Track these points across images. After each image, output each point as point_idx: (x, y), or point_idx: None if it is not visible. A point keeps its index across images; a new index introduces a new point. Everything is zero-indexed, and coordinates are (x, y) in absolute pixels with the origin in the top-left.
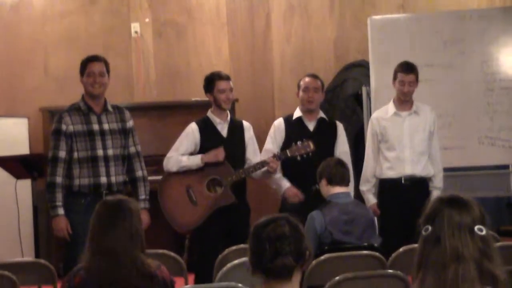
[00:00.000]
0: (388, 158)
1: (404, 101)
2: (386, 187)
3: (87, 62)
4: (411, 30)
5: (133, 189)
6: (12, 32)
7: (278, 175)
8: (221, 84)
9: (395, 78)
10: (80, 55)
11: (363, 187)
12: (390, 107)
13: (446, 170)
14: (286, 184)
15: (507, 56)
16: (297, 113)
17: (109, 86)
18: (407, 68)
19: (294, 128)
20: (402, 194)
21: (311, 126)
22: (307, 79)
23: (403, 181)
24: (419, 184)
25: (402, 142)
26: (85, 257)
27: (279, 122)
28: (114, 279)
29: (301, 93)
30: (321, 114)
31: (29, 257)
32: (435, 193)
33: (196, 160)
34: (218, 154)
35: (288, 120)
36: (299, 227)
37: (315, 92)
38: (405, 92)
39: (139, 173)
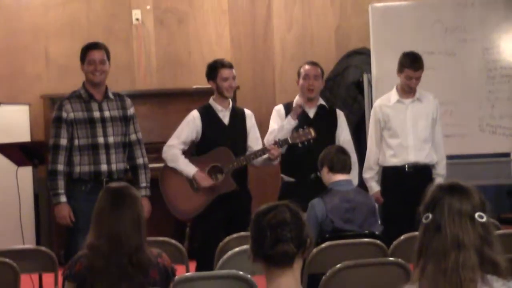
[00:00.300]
0: (391, 146)
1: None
2: (389, 174)
3: (87, 50)
4: (412, 17)
5: (134, 176)
6: (14, 20)
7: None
8: (224, 72)
9: (401, 71)
10: (81, 43)
11: (366, 175)
12: (393, 95)
13: (447, 157)
14: None
15: (508, 44)
16: (297, 100)
17: (110, 73)
18: (415, 63)
19: None
20: (406, 182)
21: (311, 113)
22: (307, 66)
23: (406, 169)
24: (423, 171)
25: (405, 130)
26: (88, 242)
27: (280, 108)
28: (113, 263)
29: (301, 81)
30: (321, 101)
31: (30, 244)
32: (438, 180)
33: (190, 172)
34: (205, 181)
35: (288, 107)
36: (300, 214)
37: (315, 79)
38: (412, 87)
39: (140, 161)
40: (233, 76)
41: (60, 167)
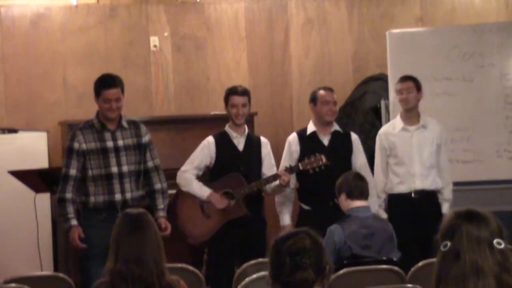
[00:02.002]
0: (397, 173)
1: (410, 114)
2: (395, 201)
3: (101, 88)
4: (429, 43)
5: (151, 201)
6: (32, 46)
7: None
8: (234, 99)
9: (396, 91)
10: (99, 69)
11: None
12: (398, 122)
13: (463, 184)
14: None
15: None
16: (311, 128)
17: (128, 100)
18: (403, 77)
19: (309, 144)
20: (412, 208)
21: (325, 140)
22: (323, 92)
23: (413, 195)
24: (429, 197)
25: (411, 157)
26: (111, 269)
27: (293, 138)
28: (143, 286)
29: (319, 107)
30: (335, 127)
31: (48, 271)
32: (445, 206)
33: (204, 194)
34: (219, 202)
35: (302, 135)
36: (320, 241)
37: (334, 105)
38: (403, 99)
39: (157, 186)
40: (243, 103)
41: (68, 195)
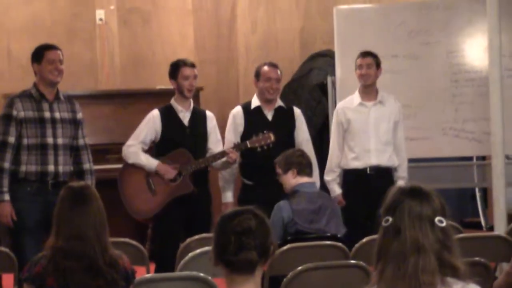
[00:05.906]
0: (353, 149)
1: (368, 90)
2: (351, 177)
3: (44, 50)
4: (376, 20)
5: (80, 181)
6: None
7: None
8: (186, 71)
9: (355, 68)
10: (44, 41)
11: (328, 177)
12: (356, 98)
13: (410, 161)
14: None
15: (472, 47)
16: (255, 102)
17: (73, 73)
18: (364, 53)
19: (253, 118)
20: (367, 184)
21: (269, 115)
22: (267, 68)
23: (368, 171)
24: (384, 174)
25: (368, 132)
26: (53, 244)
27: (237, 111)
28: (86, 262)
29: (262, 83)
30: (279, 103)
31: None
32: (400, 183)
33: (152, 166)
34: (168, 173)
35: (246, 109)
36: (266, 221)
37: (277, 82)
38: (363, 74)
39: (86, 166)
40: (194, 75)
41: (6, 165)
